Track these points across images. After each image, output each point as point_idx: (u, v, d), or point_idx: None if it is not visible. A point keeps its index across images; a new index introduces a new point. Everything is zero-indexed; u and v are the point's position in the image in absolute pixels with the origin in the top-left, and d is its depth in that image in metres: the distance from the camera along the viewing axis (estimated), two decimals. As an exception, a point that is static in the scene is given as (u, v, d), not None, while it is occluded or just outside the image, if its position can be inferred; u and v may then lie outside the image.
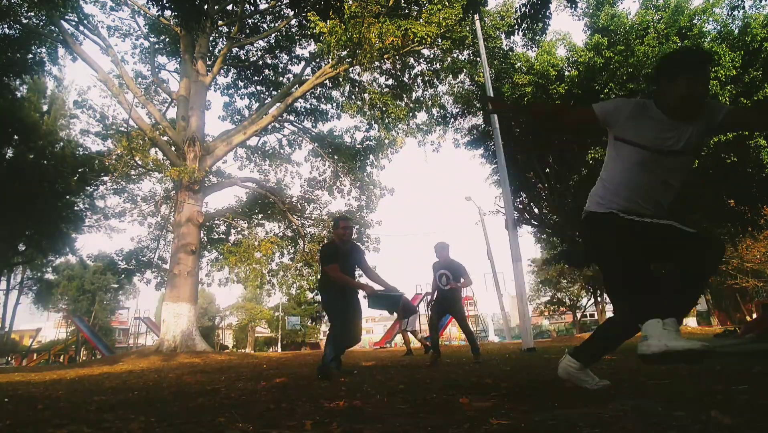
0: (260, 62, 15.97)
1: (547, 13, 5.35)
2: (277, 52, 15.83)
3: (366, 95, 13.39)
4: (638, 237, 2.07)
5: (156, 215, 16.00)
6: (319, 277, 4.07)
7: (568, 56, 13.49)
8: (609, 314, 42.44)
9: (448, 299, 5.60)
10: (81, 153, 16.68)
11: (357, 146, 14.89)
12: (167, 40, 14.57)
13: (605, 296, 35.00)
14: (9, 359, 26.62)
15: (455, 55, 12.57)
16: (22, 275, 29.10)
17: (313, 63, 14.70)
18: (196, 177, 10.97)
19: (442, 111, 14.75)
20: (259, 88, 16.24)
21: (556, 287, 38.23)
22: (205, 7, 12.38)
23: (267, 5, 14.60)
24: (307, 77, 14.31)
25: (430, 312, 6.65)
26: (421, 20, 10.99)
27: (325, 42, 10.76)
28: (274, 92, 15.62)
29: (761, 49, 11.64)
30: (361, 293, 4.25)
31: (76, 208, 18.85)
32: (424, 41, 10.69)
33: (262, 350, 39.16)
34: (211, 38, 13.88)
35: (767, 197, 14.08)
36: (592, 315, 43.30)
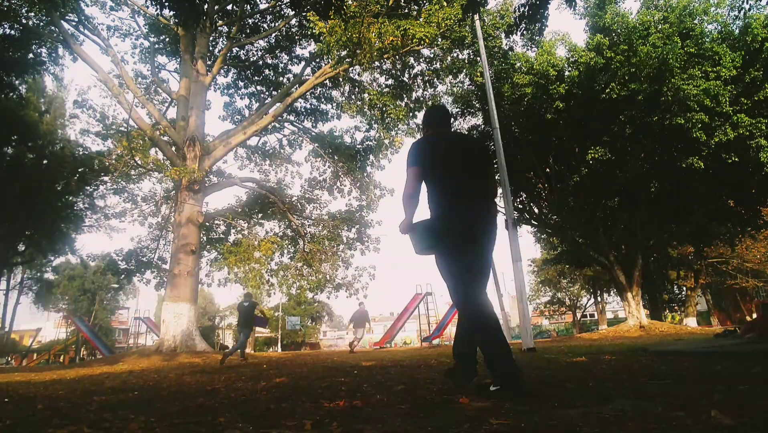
0: (260, 62, 15.95)
1: (545, 13, 5.35)
2: (277, 52, 15.82)
3: (366, 95, 13.37)
4: None
5: (156, 215, 16.00)
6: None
7: (569, 56, 13.49)
8: (609, 315, 42.48)
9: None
10: (81, 153, 16.67)
11: (357, 146, 14.88)
12: (167, 40, 14.56)
13: (605, 295, 35.04)
14: (9, 359, 26.62)
15: (455, 54, 12.56)
16: (22, 275, 29.11)
17: (313, 63, 14.69)
18: (196, 177, 10.96)
19: (441, 111, 14.71)
20: (259, 88, 16.23)
21: (556, 287, 38.25)
22: (205, 6, 12.41)
23: (267, 5, 14.60)
24: (307, 77, 14.30)
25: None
26: (420, 20, 10.98)
27: (325, 42, 10.75)
28: (274, 92, 15.60)
29: (762, 50, 11.64)
30: None
31: (76, 208, 18.85)
32: (423, 41, 10.67)
33: (262, 350, 39.14)
34: (211, 38, 13.88)
35: (767, 198, 14.09)
36: (592, 315, 43.32)
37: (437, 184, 2.56)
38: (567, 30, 14.03)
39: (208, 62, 13.44)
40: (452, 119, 15.86)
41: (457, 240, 2.42)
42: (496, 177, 17.18)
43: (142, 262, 14.76)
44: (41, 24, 12.61)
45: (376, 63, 12.04)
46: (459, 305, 2.45)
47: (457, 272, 2.42)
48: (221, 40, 15.37)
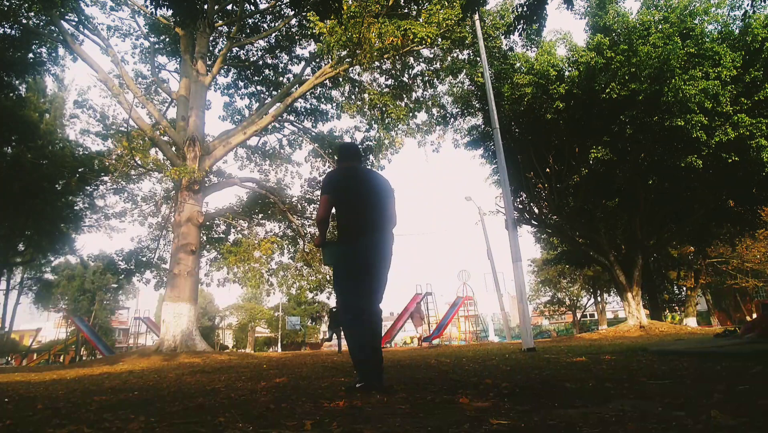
0: (260, 62, 15.96)
1: (543, 13, 5.33)
2: (277, 52, 15.82)
3: (366, 95, 13.37)
4: None
5: (156, 215, 16.01)
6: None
7: (569, 56, 13.48)
8: (609, 315, 42.53)
9: None
10: (81, 153, 16.68)
11: (357, 146, 14.89)
12: (167, 40, 14.57)
13: (605, 295, 35.04)
14: (9, 359, 26.59)
15: (455, 54, 12.56)
16: (22, 275, 29.07)
17: (313, 63, 14.69)
18: (196, 177, 10.96)
19: (441, 111, 14.75)
20: (259, 88, 16.23)
21: (556, 287, 38.23)
22: (204, 6, 12.42)
23: (267, 5, 14.60)
24: (307, 77, 14.30)
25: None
26: (420, 20, 10.97)
27: (325, 42, 10.75)
28: (274, 92, 15.61)
29: (762, 50, 11.64)
30: None
31: (75, 208, 18.85)
32: (424, 41, 10.67)
33: (262, 350, 39.14)
34: (211, 38, 13.88)
35: (766, 197, 14.08)
36: (592, 315, 43.31)
37: (344, 214, 2.96)
38: (567, 30, 13.99)
39: (208, 62, 13.44)
40: (453, 116, 15.91)
41: (352, 267, 2.87)
42: (497, 177, 17.00)
43: (142, 261, 14.77)
44: (41, 24, 12.61)
45: (376, 63, 12.04)
46: (340, 316, 2.90)
47: (346, 290, 2.91)
48: (221, 40, 15.37)
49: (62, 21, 11.94)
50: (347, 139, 15.17)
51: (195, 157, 11.39)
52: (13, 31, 12.49)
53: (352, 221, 2.89)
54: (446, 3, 10.87)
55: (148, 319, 29.64)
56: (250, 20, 15.00)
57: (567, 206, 16.01)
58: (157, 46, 14.85)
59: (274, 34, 15.05)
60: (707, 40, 12.19)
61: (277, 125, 15.56)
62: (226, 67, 15.24)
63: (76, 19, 12.38)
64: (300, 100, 14.66)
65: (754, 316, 20.75)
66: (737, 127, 11.36)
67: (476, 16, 9.20)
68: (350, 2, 10.30)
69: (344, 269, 2.90)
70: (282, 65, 16.17)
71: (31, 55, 13.20)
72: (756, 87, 11.72)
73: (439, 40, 11.21)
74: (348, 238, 2.89)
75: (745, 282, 24.11)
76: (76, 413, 2.38)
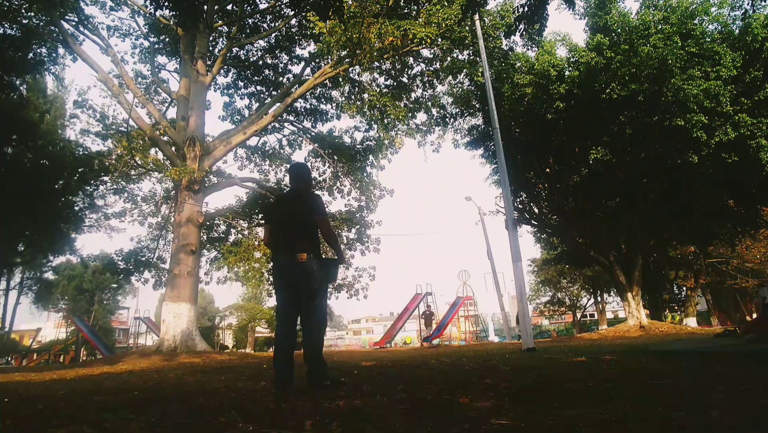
0: (260, 62, 15.94)
1: (544, 14, 5.33)
2: (277, 52, 15.81)
3: (365, 96, 13.36)
4: None
5: (156, 215, 16.00)
6: None
7: (569, 56, 13.49)
8: (609, 315, 42.51)
9: None
10: (81, 153, 16.66)
11: (357, 147, 14.87)
12: (167, 40, 14.55)
13: (605, 295, 35.05)
14: (9, 359, 26.59)
15: (455, 55, 12.56)
16: (22, 275, 29.06)
17: (313, 63, 14.68)
18: (196, 177, 10.95)
19: (441, 111, 14.74)
20: (259, 88, 16.21)
21: (556, 287, 38.23)
22: (204, 6, 12.42)
23: (267, 5, 14.59)
24: (307, 77, 14.29)
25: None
26: (420, 20, 10.97)
27: (324, 42, 10.74)
28: (274, 92, 15.59)
29: (762, 50, 11.65)
30: None
31: (75, 208, 18.85)
32: (423, 42, 10.67)
33: (262, 350, 39.12)
34: (211, 38, 13.86)
35: (766, 197, 14.09)
36: (592, 315, 43.32)
37: (272, 237, 3.56)
38: (567, 30, 14.02)
39: (208, 62, 13.42)
40: (453, 116, 15.91)
41: (275, 281, 3.55)
42: (497, 177, 16.91)
43: (141, 261, 14.76)
44: (41, 24, 12.59)
45: (376, 63, 12.03)
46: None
47: (277, 299, 3.40)
48: (221, 40, 15.36)
49: (62, 21, 11.92)
50: (347, 139, 15.18)
51: (195, 157, 11.38)
52: (13, 31, 12.47)
53: (274, 244, 3.51)
54: (446, 3, 10.86)
55: (148, 319, 29.65)
56: (250, 20, 14.99)
57: (567, 206, 16.02)
58: (157, 46, 14.83)
59: (274, 34, 15.04)
60: (707, 40, 12.20)
61: (277, 125, 15.54)
62: (226, 67, 15.23)
63: (76, 19, 12.36)
64: (300, 100, 14.64)
65: (754, 316, 20.73)
66: (737, 127, 11.36)
67: (476, 16, 9.19)
68: (350, 2, 10.29)
69: (275, 286, 3.55)
70: (282, 65, 16.16)
71: (31, 55, 13.18)
72: (756, 87, 11.72)
73: (439, 40, 11.20)
74: (272, 257, 3.57)
75: (745, 282, 24.10)
76: (76, 413, 2.38)
